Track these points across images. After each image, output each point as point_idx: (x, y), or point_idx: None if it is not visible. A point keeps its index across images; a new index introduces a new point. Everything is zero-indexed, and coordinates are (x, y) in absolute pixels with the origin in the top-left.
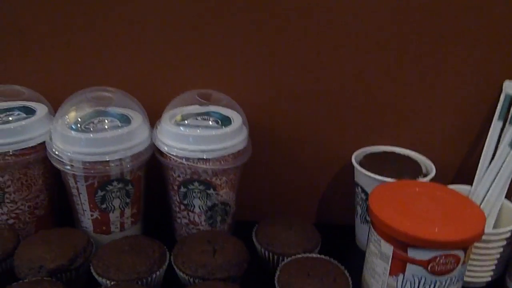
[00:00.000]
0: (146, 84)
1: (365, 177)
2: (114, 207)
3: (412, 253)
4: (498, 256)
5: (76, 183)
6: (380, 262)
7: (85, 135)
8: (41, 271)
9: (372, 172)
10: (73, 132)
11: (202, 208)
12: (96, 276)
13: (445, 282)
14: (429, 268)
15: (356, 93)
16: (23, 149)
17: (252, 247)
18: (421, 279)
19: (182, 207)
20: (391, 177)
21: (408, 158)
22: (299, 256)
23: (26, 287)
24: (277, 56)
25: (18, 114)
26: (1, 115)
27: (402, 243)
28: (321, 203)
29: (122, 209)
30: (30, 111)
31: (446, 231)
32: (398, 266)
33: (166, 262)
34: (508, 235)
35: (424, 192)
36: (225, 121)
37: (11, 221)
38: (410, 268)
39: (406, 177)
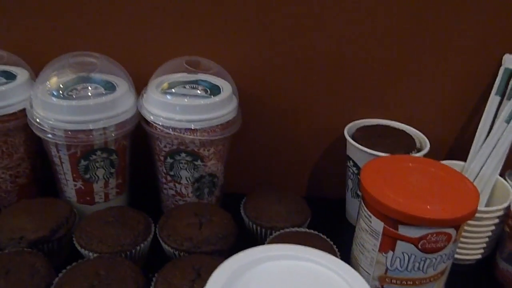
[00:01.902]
0: (132, 49)
1: (357, 151)
2: (98, 177)
3: (402, 230)
4: (490, 234)
5: (58, 152)
6: (370, 238)
7: (67, 102)
8: (22, 242)
9: (365, 146)
10: (54, 99)
11: (189, 179)
12: (79, 248)
13: (435, 260)
14: (419, 245)
15: (351, 63)
16: (3, 115)
17: (241, 220)
18: (411, 256)
19: (169, 178)
20: (384, 151)
21: (402, 132)
22: (288, 230)
23: (5, 258)
24: (269, 23)
25: None
26: None
27: (393, 220)
28: (312, 176)
29: (107, 179)
30: (10, 76)
31: (438, 208)
32: (388, 242)
33: (151, 235)
34: (501, 213)
35: (417, 167)
36: (214, 90)
37: None
38: (400, 245)
39: (400, 151)
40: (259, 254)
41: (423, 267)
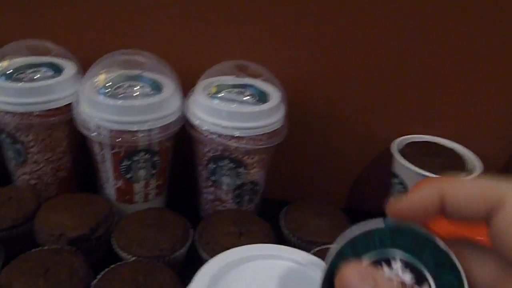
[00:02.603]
0: (181, 50)
1: (405, 169)
2: (139, 177)
3: None
4: None
5: (101, 150)
6: None
7: (114, 102)
8: (61, 239)
9: (413, 163)
10: (101, 97)
11: (230, 186)
12: (117, 249)
13: None
14: None
15: (403, 75)
16: (48, 110)
17: (278, 228)
18: None
19: (210, 183)
20: (433, 171)
21: (452, 151)
22: (328, 246)
23: (45, 256)
24: (324, 31)
25: (45, 72)
26: (28, 71)
27: None
28: (353, 188)
29: (147, 180)
30: (57, 69)
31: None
32: None
33: (190, 241)
34: None
35: None
36: (262, 97)
37: (33, 182)
38: None
39: (449, 172)
40: (246, 253)
41: None
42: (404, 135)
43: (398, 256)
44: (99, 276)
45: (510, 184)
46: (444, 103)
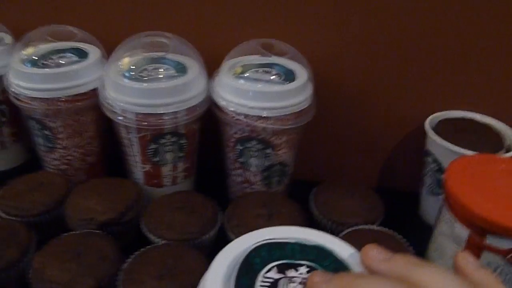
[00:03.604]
0: (205, 30)
1: (439, 146)
2: (166, 160)
3: (491, 240)
4: None
5: (128, 134)
6: (452, 244)
7: (139, 85)
8: (91, 223)
9: (447, 140)
10: (126, 81)
11: (259, 167)
12: (147, 233)
13: None
14: (508, 257)
15: (435, 49)
16: (75, 95)
17: (308, 209)
18: (496, 268)
19: (238, 165)
20: (469, 148)
21: (488, 127)
22: (360, 227)
23: (76, 240)
24: (351, 5)
25: (70, 57)
26: (53, 57)
27: (480, 228)
28: (385, 167)
29: (175, 163)
30: (82, 54)
31: None
32: (472, 251)
33: (218, 223)
34: None
35: (510, 170)
36: (289, 75)
37: (63, 167)
38: (486, 256)
39: (486, 149)
40: (265, 236)
41: (510, 280)
42: (438, 112)
43: (304, 263)
44: (129, 260)
45: None
46: (480, 76)
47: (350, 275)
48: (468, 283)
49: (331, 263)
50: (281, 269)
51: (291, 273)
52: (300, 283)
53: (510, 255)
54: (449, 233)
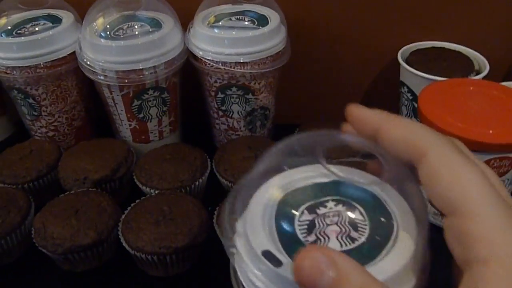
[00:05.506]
0: None
1: (412, 76)
2: (151, 116)
3: None
4: None
5: (111, 94)
6: None
7: (116, 43)
8: (86, 182)
9: (420, 70)
10: (103, 40)
11: (241, 113)
12: (140, 185)
13: None
14: None
15: None
16: (53, 60)
17: None
18: None
19: (221, 113)
20: (441, 75)
21: (459, 54)
22: (344, 160)
23: (73, 199)
24: None
25: (44, 24)
26: (27, 26)
27: None
28: (363, 103)
29: (160, 117)
30: (56, 20)
31: (501, 133)
32: None
33: (208, 170)
34: None
35: (478, 91)
36: (262, 20)
37: (50, 134)
38: None
39: (457, 75)
40: (306, 173)
41: None
42: (410, 43)
43: (330, 199)
44: (126, 211)
45: (436, 136)
46: (448, 6)
47: None
48: None
49: (354, 192)
50: (311, 210)
51: (321, 211)
52: (333, 215)
53: None
54: None
